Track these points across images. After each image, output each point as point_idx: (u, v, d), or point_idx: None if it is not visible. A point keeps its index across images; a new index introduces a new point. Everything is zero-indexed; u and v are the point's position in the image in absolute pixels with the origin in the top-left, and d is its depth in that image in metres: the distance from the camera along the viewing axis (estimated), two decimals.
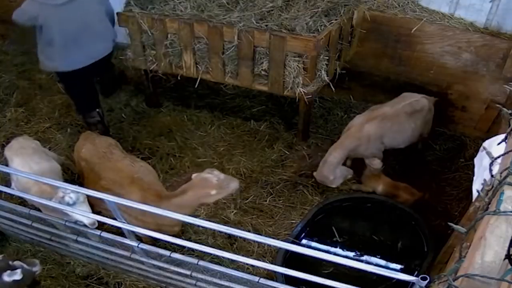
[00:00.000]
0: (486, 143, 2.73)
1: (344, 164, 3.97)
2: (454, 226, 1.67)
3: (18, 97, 5.29)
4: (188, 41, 4.22)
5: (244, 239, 3.68)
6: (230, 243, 3.73)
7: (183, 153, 4.58)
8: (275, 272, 3.15)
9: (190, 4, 4.30)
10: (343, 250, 3.59)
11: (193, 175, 3.06)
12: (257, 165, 4.44)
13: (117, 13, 4.37)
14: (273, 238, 3.51)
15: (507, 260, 1.45)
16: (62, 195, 2.79)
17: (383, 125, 3.91)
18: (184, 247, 3.26)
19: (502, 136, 2.04)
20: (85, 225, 2.76)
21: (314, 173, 3.88)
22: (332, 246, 3.61)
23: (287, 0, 4.35)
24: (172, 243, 2.59)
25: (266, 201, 4.08)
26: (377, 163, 3.89)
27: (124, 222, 2.53)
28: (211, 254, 2.66)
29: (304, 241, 3.64)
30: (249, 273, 2.90)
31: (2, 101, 5.26)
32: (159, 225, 3.06)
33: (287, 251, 3.32)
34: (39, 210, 3.12)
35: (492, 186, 1.66)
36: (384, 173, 4.04)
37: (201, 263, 2.47)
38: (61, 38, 3.93)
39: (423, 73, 4.66)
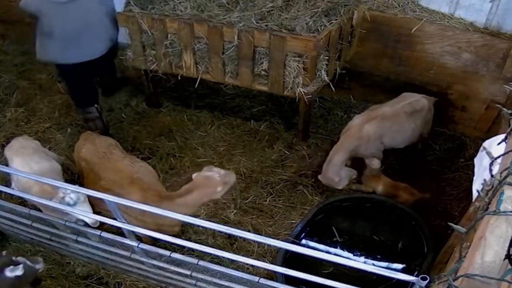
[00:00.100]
0: (486, 143, 2.73)
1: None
2: (454, 226, 1.67)
3: (18, 97, 5.29)
4: (188, 41, 4.22)
5: (244, 239, 3.68)
6: (230, 243, 3.74)
7: (183, 153, 4.58)
8: (275, 272, 3.15)
9: (190, 4, 4.30)
10: (343, 250, 3.59)
11: (194, 175, 3.07)
12: (257, 165, 4.44)
13: (117, 13, 4.37)
14: (273, 238, 3.51)
15: (507, 260, 1.45)
16: (62, 196, 2.79)
17: (383, 125, 3.91)
18: (184, 247, 3.26)
19: (502, 136, 2.04)
20: (85, 225, 2.76)
21: (319, 176, 3.88)
22: (332, 246, 3.61)
23: (287, 0, 4.35)
24: (172, 243, 2.59)
25: (266, 201, 4.08)
26: (376, 163, 3.89)
27: (124, 222, 2.53)
28: (211, 254, 2.66)
29: (304, 241, 3.64)
30: (249, 273, 2.90)
31: (2, 101, 5.26)
32: (159, 225, 3.07)
33: (287, 251, 3.32)
34: (39, 210, 3.12)
35: (492, 186, 1.66)
36: (384, 173, 4.04)
37: (201, 263, 2.47)
38: (60, 34, 4.00)
39: (423, 73, 4.66)
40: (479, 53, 4.31)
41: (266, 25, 3.98)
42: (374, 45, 4.71)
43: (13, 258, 2.62)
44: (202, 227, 3.60)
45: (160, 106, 5.19)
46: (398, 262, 3.47)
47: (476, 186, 2.63)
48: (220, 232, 3.63)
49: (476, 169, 2.83)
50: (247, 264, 3.23)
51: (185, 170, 4.37)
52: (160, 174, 4.20)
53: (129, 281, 3.46)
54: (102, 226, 3.20)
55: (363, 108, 4.57)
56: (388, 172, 4.16)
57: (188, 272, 2.67)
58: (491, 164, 1.79)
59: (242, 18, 4.04)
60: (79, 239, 2.82)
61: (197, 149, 4.63)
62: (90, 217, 2.69)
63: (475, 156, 2.99)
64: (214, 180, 2.99)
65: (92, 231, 2.70)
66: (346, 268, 3.11)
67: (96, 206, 3.09)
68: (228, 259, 2.70)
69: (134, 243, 2.59)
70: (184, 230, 3.76)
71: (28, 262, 2.64)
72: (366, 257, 3.53)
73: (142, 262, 2.88)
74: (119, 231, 2.73)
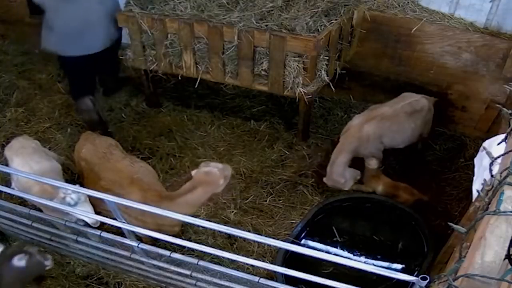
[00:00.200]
0: (486, 143, 2.73)
1: None
2: (454, 226, 1.67)
3: (18, 97, 5.29)
4: (188, 41, 4.22)
5: (244, 239, 3.68)
6: (230, 243, 3.74)
7: (183, 153, 4.58)
8: (275, 272, 3.15)
9: (190, 4, 4.30)
10: (343, 250, 3.59)
11: (193, 172, 3.08)
12: (257, 165, 4.44)
13: (117, 13, 4.37)
14: (273, 238, 3.50)
15: (507, 260, 1.45)
16: (63, 196, 2.79)
17: (382, 125, 3.91)
18: (184, 247, 3.26)
19: (502, 136, 2.04)
20: (85, 225, 2.76)
21: (324, 179, 3.88)
22: (332, 246, 3.61)
23: (287, 0, 4.35)
24: (172, 243, 2.59)
25: (266, 201, 4.08)
26: (373, 163, 3.89)
27: (124, 222, 2.53)
28: (211, 254, 2.66)
29: (304, 241, 3.63)
30: (249, 273, 2.90)
31: (2, 101, 5.26)
32: (159, 225, 3.07)
33: (287, 251, 3.32)
34: (39, 209, 3.12)
35: (492, 186, 1.66)
36: (384, 173, 4.04)
37: (201, 263, 2.47)
38: (60, 28, 4.19)
39: (423, 73, 4.66)
40: (479, 53, 4.31)
41: (266, 25, 3.98)
42: (374, 45, 4.71)
43: (25, 248, 2.61)
44: (202, 227, 3.60)
45: (160, 106, 5.19)
46: (398, 262, 3.47)
47: (476, 186, 2.63)
48: (220, 232, 3.63)
49: (476, 169, 2.83)
50: (247, 264, 3.23)
51: (185, 170, 4.37)
52: (160, 174, 4.20)
53: (129, 281, 3.46)
54: (102, 226, 3.20)
55: (363, 108, 4.57)
56: (388, 172, 4.17)
57: (188, 272, 2.67)
58: (491, 164, 1.79)
59: (242, 18, 4.04)
60: (79, 239, 2.82)
61: (197, 149, 4.63)
62: (91, 217, 2.69)
63: (475, 156, 2.99)
64: (215, 174, 3.02)
65: (92, 231, 2.70)
66: (346, 268, 3.11)
67: (96, 206, 3.09)
68: (228, 259, 2.70)
69: (134, 243, 2.59)
70: (184, 230, 3.76)
71: (38, 256, 2.64)
72: (366, 257, 3.53)
73: (142, 262, 2.87)
74: (119, 231, 2.73)
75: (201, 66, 4.38)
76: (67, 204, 2.80)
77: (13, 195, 3.58)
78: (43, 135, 4.74)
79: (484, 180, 2.01)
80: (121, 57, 4.72)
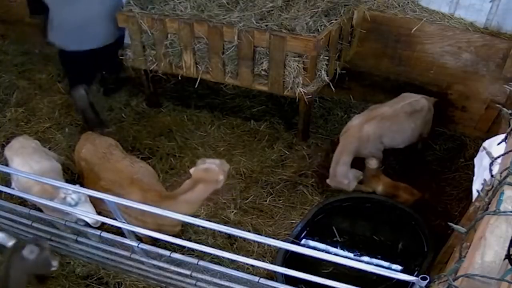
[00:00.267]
0: (486, 143, 2.74)
1: None
2: (454, 226, 1.67)
3: (18, 97, 5.28)
4: (188, 41, 4.22)
5: (244, 239, 3.68)
6: (230, 243, 3.73)
7: (183, 153, 4.58)
8: (275, 272, 3.16)
9: (190, 4, 4.30)
10: (343, 250, 3.59)
11: (191, 170, 3.08)
12: (257, 165, 4.44)
13: (117, 13, 4.37)
14: (273, 238, 3.51)
15: (507, 260, 1.45)
16: (64, 196, 2.79)
17: (382, 125, 3.91)
18: (184, 247, 3.26)
19: (502, 136, 2.04)
20: (85, 225, 2.76)
21: (328, 181, 3.87)
22: (332, 246, 3.61)
23: (287, 0, 4.35)
24: (172, 243, 2.59)
25: (266, 201, 4.08)
26: (373, 163, 3.89)
27: (124, 222, 2.53)
28: (211, 254, 2.66)
29: (304, 241, 3.64)
30: (249, 273, 2.90)
31: (2, 101, 5.26)
32: (159, 225, 3.07)
33: (287, 251, 3.32)
34: (39, 209, 3.12)
35: (492, 186, 1.66)
36: (384, 173, 4.04)
37: (201, 263, 2.47)
38: (61, 25, 4.37)
39: (423, 73, 4.66)
40: (479, 53, 4.31)
41: (266, 25, 3.98)
42: (374, 45, 4.71)
43: (39, 242, 2.61)
44: (202, 227, 3.60)
45: (160, 106, 5.19)
46: (398, 262, 3.47)
47: (476, 186, 2.63)
48: (220, 232, 3.63)
49: (476, 169, 2.83)
50: (247, 264, 3.23)
51: (185, 170, 4.36)
52: (160, 174, 4.20)
53: (129, 281, 3.46)
54: (102, 226, 3.20)
55: (363, 108, 4.57)
56: (388, 172, 4.16)
57: (188, 272, 2.67)
58: (491, 164, 1.79)
59: (242, 18, 4.04)
60: (79, 239, 2.82)
61: (197, 149, 4.63)
62: (91, 217, 2.69)
63: (475, 156, 2.99)
64: (214, 170, 3.02)
65: (92, 231, 2.70)
66: (346, 268, 3.11)
67: (96, 206, 3.09)
68: (228, 259, 2.70)
69: (134, 243, 2.59)
70: (184, 230, 3.76)
71: (48, 253, 2.63)
72: (366, 257, 3.53)
73: (142, 262, 2.88)
74: (119, 231, 2.73)
75: (201, 66, 4.38)
76: (68, 204, 2.80)
77: (13, 195, 3.58)
78: (43, 135, 4.74)
79: (484, 180, 2.01)
80: (121, 57, 4.72)
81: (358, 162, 4.09)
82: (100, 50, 4.48)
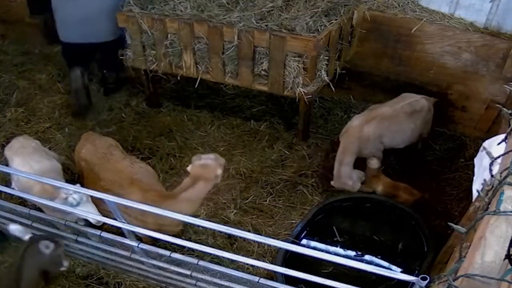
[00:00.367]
0: (486, 143, 2.74)
1: None
2: (454, 226, 1.67)
3: (18, 97, 5.28)
4: (188, 41, 4.22)
5: (244, 239, 3.68)
6: (230, 243, 3.73)
7: (183, 153, 4.57)
8: (275, 272, 3.15)
9: (190, 4, 4.30)
10: (343, 250, 3.59)
11: (188, 168, 3.08)
12: (257, 165, 4.44)
13: (117, 13, 4.38)
14: (273, 238, 3.51)
15: (507, 260, 1.45)
16: (65, 196, 2.79)
17: (382, 125, 3.91)
18: (184, 247, 3.26)
19: (502, 136, 2.04)
20: (85, 225, 2.76)
21: (332, 182, 3.87)
22: (332, 246, 3.61)
23: (287, 0, 4.35)
24: (172, 243, 2.59)
25: (266, 201, 4.08)
26: (374, 163, 3.90)
27: (124, 222, 2.53)
28: (211, 254, 2.66)
29: (304, 241, 3.64)
30: (249, 273, 2.90)
31: (2, 101, 5.25)
32: (159, 225, 3.06)
33: (287, 251, 3.32)
34: (39, 209, 3.12)
35: (492, 186, 1.66)
36: (384, 173, 4.04)
37: (201, 263, 2.47)
38: (62, 18, 4.67)
39: (423, 73, 4.66)
40: (479, 53, 4.31)
41: (266, 25, 3.98)
42: (374, 45, 4.71)
43: (55, 238, 2.61)
44: (202, 227, 3.60)
45: (160, 106, 5.19)
46: (398, 262, 3.47)
47: (476, 186, 2.63)
48: (220, 232, 3.63)
49: (476, 169, 2.83)
50: (247, 264, 3.23)
51: (185, 170, 4.36)
52: (160, 174, 4.20)
53: (129, 281, 3.46)
54: (102, 226, 3.20)
55: (363, 108, 4.57)
56: (388, 172, 4.16)
57: (188, 272, 2.67)
58: (491, 164, 1.79)
59: (242, 18, 4.04)
60: (79, 239, 2.82)
61: (197, 149, 4.62)
62: (93, 217, 2.69)
63: (475, 156, 2.99)
64: (211, 166, 3.03)
65: (92, 231, 2.70)
66: (346, 268, 3.11)
67: (96, 206, 3.08)
68: (228, 259, 2.70)
69: (134, 243, 2.59)
70: (184, 230, 3.76)
71: (62, 251, 2.63)
72: (366, 257, 3.53)
73: (142, 262, 2.87)
74: (119, 231, 2.73)
75: (201, 66, 4.38)
76: (70, 205, 2.80)
77: (13, 195, 3.58)
78: (43, 135, 4.74)
79: (484, 180, 2.01)
80: (121, 57, 4.72)
81: (358, 162, 4.09)
82: (101, 46, 4.73)
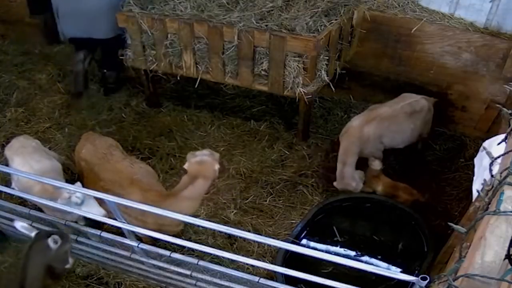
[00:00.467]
0: (486, 143, 2.73)
1: None
2: (454, 226, 1.67)
3: (18, 97, 5.28)
4: (188, 41, 4.22)
5: (244, 239, 3.68)
6: (230, 243, 3.73)
7: (183, 153, 4.56)
8: (275, 272, 3.15)
9: (190, 4, 4.30)
10: (343, 250, 3.59)
11: (185, 166, 3.09)
12: (257, 165, 4.44)
13: (117, 13, 4.38)
14: (273, 238, 3.51)
15: (507, 260, 1.45)
16: (68, 196, 2.78)
17: (382, 125, 3.92)
18: (184, 247, 3.26)
19: (502, 136, 2.04)
20: (85, 225, 2.75)
21: (335, 183, 3.86)
22: (332, 246, 3.61)
23: (287, 0, 4.35)
24: (172, 243, 2.59)
25: (266, 201, 4.08)
26: (377, 164, 3.90)
27: (124, 222, 2.53)
28: (211, 254, 2.66)
29: (304, 241, 3.63)
30: (249, 273, 2.90)
31: (2, 101, 5.25)
32: (160, 225, 3.06)
33: (287, 251, 3.32)
34: (39, 209, 3.12)
35: (492, 186, 1.66)
36: (384, 173, 4.04)
37: (201, 263, 2.47)
38: (61, 15, 4.91)
39: (423, 73, 4.66)
40: (479, 53, 4.31)
41: (266, 25, 3.98)
42: (374, 45, 4.71)
43: (63, 234, 2.60)
44: (202, 227, 3.60)
45: (160, 106, 5.19)
46: (398, 262, 3.47)
47: (476, 186, 2.63)
48: (220, 232, 3.63)
49: (476, 169, 2.83)
50: (247, 264, 3.22)
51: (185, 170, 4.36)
52: (160, 174, 4.20)
53: (129, 281, 3.46)
54: (102, 226, 3.20)
55: (363, 108, 4.57)
56: (388, 172, 4.16)
57: (188, 272, 2.67)
58: (491, 164, 1.78)
59: (242, 18, 4.04)
60: (79, 239, 2.82)
61: (197, 149, 4.59)
62: (98, 214, 2.70)
63: (475, 156, 2.99)
64: (207, 161, 3.03)
65: (92, 231, 2.70)
66: (346, 268, 3.09)
67: None
68: (228, 259, 2.70)
69: (134, 243, 2.59)
70: (184, 230, 3.76)
71: (69, 248, 2.62)
72: (366, 257, 3.53)
73: (142, 262, 2.88)
74: (119, 231, 2.73)
75: (201, 66, 4.38)
76: (74, 203, 2.80)
77: (13, 195, 3.58)
78: (43, 135, 4.74)
79: (484, 180, 2.01)
80: (121, 57, 4.73)
81: (357, 162, 4.09)
82: (99, 42, 4.88)
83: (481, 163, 2.73)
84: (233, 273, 2.47)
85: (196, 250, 2.29)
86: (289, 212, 3.99)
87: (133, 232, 2.67)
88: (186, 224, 3.55)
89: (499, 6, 4.24)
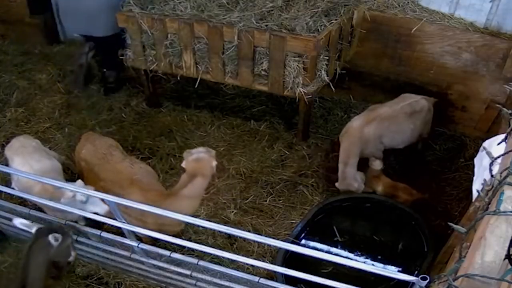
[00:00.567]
0: (486, 143, 2.73)
1: None
2: (454, 226, 1.67)
3: (18, 97, 5.28)
4: (188, 41, 4.22)
5: (244, 239, 3.68)
6: (230, 243, 3.73)
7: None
8: (275, 272, 3.16)
9: (190, 4, 4.30)
10: (343, 250, 3.59)
11: (183, 164, 3.09)
12: (257, 165, 4.44)
13: (117, 13, 4.38)
14: (273, 238, 3.51)
15: (507, 260, 1.45)
16: (72, 195, 2.78)
17: (382, 126, 3.92)
18: (184, 247, 3.26)
19: (502, 136, 2.05)
20: (86, 225, 2.75)
21: (336, 184, 3.85)
22: (332, 246, 3.61)
23: (287, 0, 4.35)
24: (172, 243, 2.60)
25: (266, 201, 4.08)
26: (377, 164, 3.90)
27: (124, 222, 2.53)
28: (211, 254, 2.66)
29: (304, 241, 3.63)
30: (249, 273, 2.91)
31: (2, 101, 5.25)
32: (160, 225, 3.06)
33: (287, 251, 3.32)
34: (39, 209, 3.12)
35: (492, 186, 1.66)
36: (384, 173, 4.04)
37: (201, 263, 2.48)
38: (61, 12, 5.08)
39: (423, 73, 4.66)
40: (479, 53, 4.31)
41: (266, 25, 3.98)
42: (374, 45, 4.71)
43: (64, 229, 2.60)
44: (202, 227, 3.60)
45: (160, 106, 5.19)
46: (398, 262, 3.47)
47: (476, 186, 2.63)
48: (220, 232, 3.63)
49: (476, 169, 2.83)
50: (247, 264, 3.23)
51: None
52: (160, 174, 4.20)
53: (129, 281, 3.46)
54: (102, 226, 3.20)
55: (363, 108, 4.57)
56: (388, 172, 4.16)
57: (188, 272, 2.67)
58: (491, 164, 1.79)
59: (242, 18, 4.04)
60: (79, 239, 2.82)
61: None
62: (102, 209, 2.71)
63: (475, 156, 2.99)
64: (205, 158, 3.04)
65: (93, 231, 2.70)
66: (346, 268, 3.12)
67: None
68: (228, 259, 2.70)
69: (134, 243, 2.60)
70: (184, 230, 3.75)
71: (70, 242, 2.62)
72: (366, 257, 3.53)
73: (142, 262, 2.88)
74: (119, 231, 2.73)
75: (201, 66, 4.38)
76: (79, 201, 2.80)
77: (13, 195, 3.58)
78: (43, 135, 4.74)
79: (484, 180, 2.01)
80: (121, 57, 4.73)
81: (359, 163, 4.09)
82: (101, 41, 4.90)
83: (481, 163, 2.73)
84: (233, 273, 2.47)
85: (196, 250, 2.30)
86: (289, 212, 3.99)
87: (133, 232, 2.67)
88: (186, 224, 3.55)
89: (499, 6, 4.24)
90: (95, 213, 2.84)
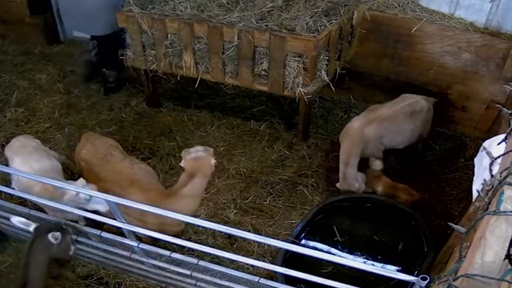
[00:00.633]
0: (486, 143, 2.73)
1: None
2: (454, 226, 1.67)
3: (18, 97, 5.28)
4: (188, 41, 4.22)
5: (244, 239, 3.68)
6: (230, 243, 3.73)
7: None
8: (275, 272, 3.15)
9: (190, 4, 4.30)
10: (343, 250, 3.59)
11: (182, 163, 3.08)
12: (257, 165, 4.44)
13: (117, 13, 4.38)
14: (273, 238, 3.50)
15: (507, 260, 1.45)
16: (75, 193, 2.79)
17: (382, 126, 3.92)
18: (184, 247, 3.26)
19: (502, 136, 2.05)
20: (86, 225, 2.75)
21: (337, 185, 3.85)
22: (332, 246, 3.61)
23: (287, 0, 4.35)
24: (172, 243, 2.60)
25: (266, 201, 4.08)
26: (377, 164, 3.90)
27: (124, 222, 2.54)
28: (211, 254, 2.66)
29: (304, 241, 3.63)
30: (249, 273, 2.91)
31: (2, 101, 5.25)
32: (160, 225, 3.06)
33: (287, 251, 3.32)
34: (39, 209, 3.12)
35: (492, 186, 1.66)
36: (384, 173, 4.04)
37: (201, 263, 2.48)
38: (62, 12, 5.38)
39: (423, 73, 4.66)
40: (479, 53, 4.31)
41: (266, 25, 3.98)
42: (374, 45, 4.71)
43: (62, 226, 2.60)
44: (202, 227, 3.60)
45: (160, 106, 5.19)
46: (398, 262, 3.47)
47: (476, 186, 2.63)
48: (220, 232, 3.63)
49: (476, 169, 2.83)
50: (247, 264, 3.23)
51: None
52: (160, 174, 4.20)
53: (129, 281, 3.46)
54: (102, 226, 3.20)
55: (363, 108, 4.57)
56: (388, 172, 4.16)
57: (188, 272, 2.67)
58: (491, 164, 1.79)
59: (242, 18, 4.04)
60: (79, 239, 2.82)
61: None
62: (105, 206, 2.71)
63: (475, 156, 2.99)
64: (203, 157, 3.03)
65: (93, 231, 2.70)
66: (346, 268, 3.12)
67: None
68: (228, 259, 2.70)
69: (134, 243, 2.60)
70: (184, 230, 3.75)
71: (69, 238, 2.62)
72: (366, 257, 3.53)
73: (142, 262, 2.88)
74: (119, 231, 2.73)
75: (201, 66, 4.38)
76: (83, 200, 2.81)
77: (13, 195, 3.58)
78: (43, 135, 4.74)
79: (484, 180, 2.01)
80: (121, 57, 4.73)
81: (360, 163, 4.09)
82: (101, 39, 5.02)
83: (481, 163, 2.73)
84: (233, 273, 2.47)
85: (196, 250, 2.30)
86: (289, 212, 3.99)
87: (133, 232, 2.67)
88: (186, 224, 3.55)
89: (499, 6, 4.24)
90: (96, 211, 2.85)
